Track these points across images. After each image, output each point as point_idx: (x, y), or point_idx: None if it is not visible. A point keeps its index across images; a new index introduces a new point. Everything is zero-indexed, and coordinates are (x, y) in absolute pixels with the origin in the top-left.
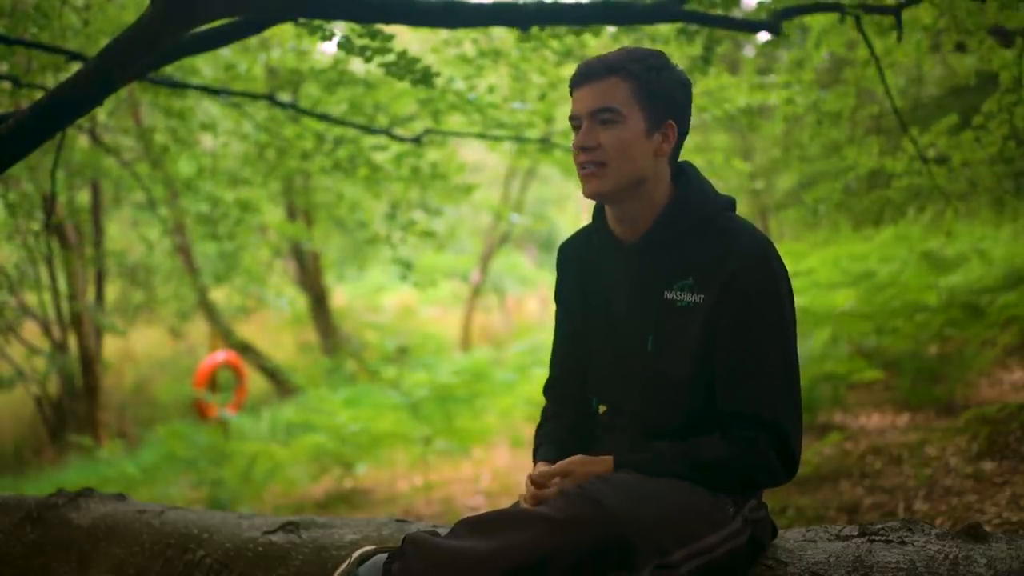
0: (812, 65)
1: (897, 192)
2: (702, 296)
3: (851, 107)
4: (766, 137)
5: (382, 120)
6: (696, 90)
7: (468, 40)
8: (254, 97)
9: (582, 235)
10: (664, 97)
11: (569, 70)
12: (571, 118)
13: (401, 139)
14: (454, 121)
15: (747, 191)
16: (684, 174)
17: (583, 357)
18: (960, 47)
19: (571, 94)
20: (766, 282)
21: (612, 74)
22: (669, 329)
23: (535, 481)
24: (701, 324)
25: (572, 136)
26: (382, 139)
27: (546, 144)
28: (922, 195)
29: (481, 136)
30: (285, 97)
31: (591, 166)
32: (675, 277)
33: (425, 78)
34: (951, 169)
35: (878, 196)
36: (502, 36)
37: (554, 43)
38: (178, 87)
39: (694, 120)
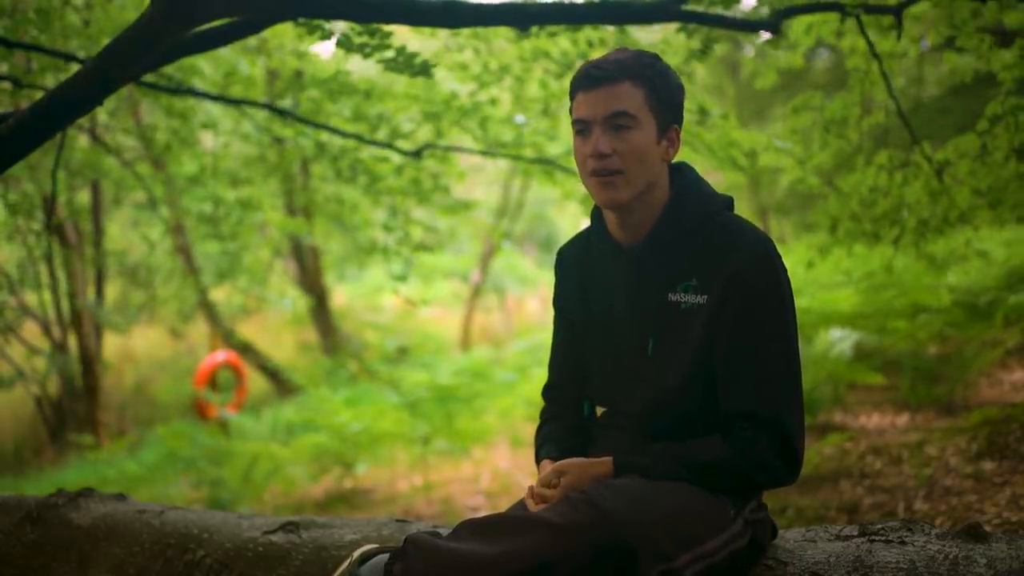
0: (802, 47)
1: (913, 219)
2: (705, 297)
3: (857, 115)
4: (773, 180)
5: (384, 130)
6: (704, 128)
7: (469, 48)
8: (254, 105)
9: (581, 239)
10: (670, 102)
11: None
12: (577, 121)
13: (402, 152)
14: (456, 134)
15: (747, 186)
16: (681, 174)
17: (581, 360)
18: (950, 42)
19: (574, 96)
20: (768, 280)
21: (625, 78)
22: (672, 331)
23: (538, 485)
24: (703, 324)
25: (574, 141)
26: (383, 151)
27: (547, 165)
28: (938, 216)
29: (483, 153)
30: (286, 102)
31: (606, 174)
32: (678, 279)
33: (424, 70)
34: (971, 189)
35: (893, 219)
36: (503, 48)
37: (555, 51)
38: (178, 93)
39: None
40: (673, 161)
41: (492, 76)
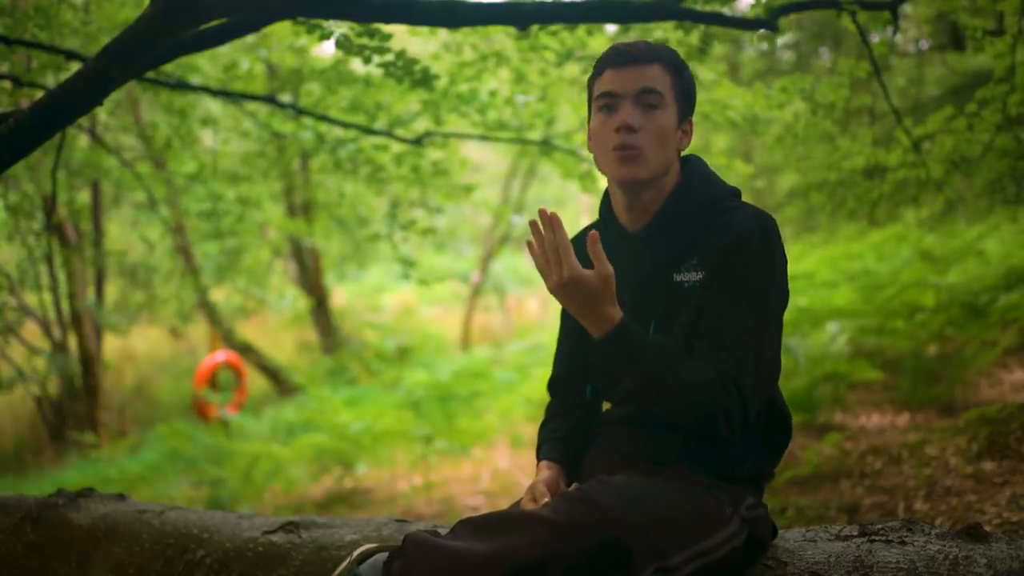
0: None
1: (891, 184)
2: (703, 273)
3: (845, 97)
4: (766, 132)
5: (383, 119)
6: (700, 96)
7: (468, 45)
8: (255, 99)
9: (584, 233)
10: (690, 94)
11: (569, 71)
12: (604, 95)
13: (402, 140)
14: (455, 121)
15: (749, 190)
16: (690, 164)
17: (587, 352)
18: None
19: (601, 73)
20: (759, 249)
21: (657, 61)
22: (675, 312)
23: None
24: (698, 300)
25: (595, 119)
26: (383, 139)
27: (546, 146)
28: (914, 186)
29: (482, 137)
30: (286, 96)
31: (629, 149)
32: (681, 259)
33: (425, 80)
34: (947, 160)
35: (872, 187)
36: (502, 39)
37: (554, 43)
38: (179, 88)
39: (696, 119)
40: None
41: (489, 62)
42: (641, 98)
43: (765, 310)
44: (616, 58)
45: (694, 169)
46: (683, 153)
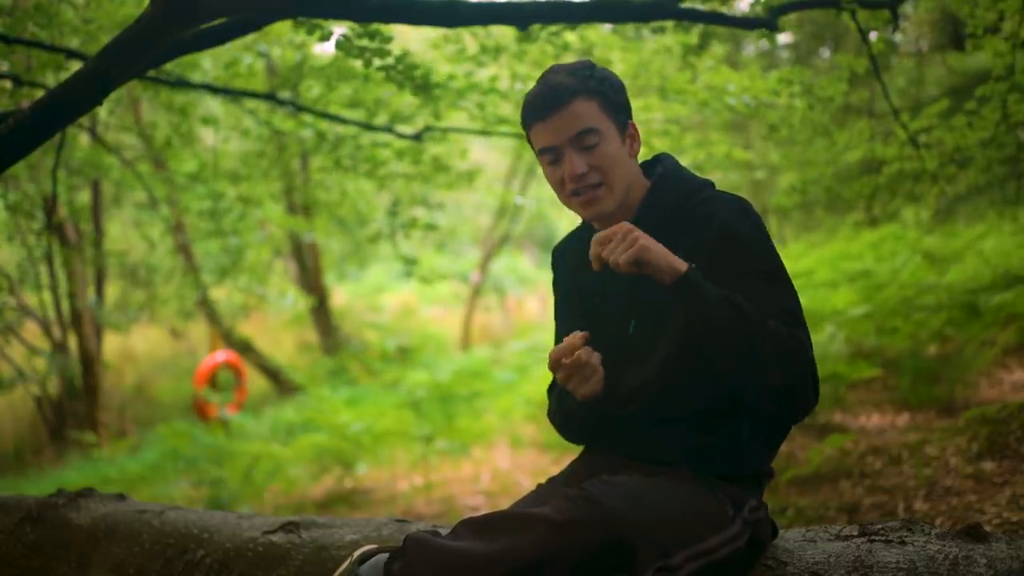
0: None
1: (887, 176)
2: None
3: (843, 91)
4: (764, 117)
5: (383, 115)
6: (698, 84)
7: (468, 34)
8: (255, 96)
9: (574, 235)
10: (619, 103)
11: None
12: (545, 151)
13: (402, 136)
14: (455, 115)
15: (748, 183)
16: (660, 164)
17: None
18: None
19: (530, 128)
20: (748, 228)
21: (576, 96)
22: (664, 309)
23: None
24: None
25: (544, 170)
26: (383, 136)
27: None
28: (911, 179)
29: (482, 132)
30: (286, 94)
31: (587, 190)
32: None
33: (425, 86)
34: (942, 152)
35: (868, 180)
36: (502, 33)
37: (555, 40)
38: (179, 86)
39: (695, 117)
40: (649, 152)
41: (489, 56)
42: (577, 142)
43: (784, 275)
44: (537, 111)
45: (665, 169)
46: (648, 151)
